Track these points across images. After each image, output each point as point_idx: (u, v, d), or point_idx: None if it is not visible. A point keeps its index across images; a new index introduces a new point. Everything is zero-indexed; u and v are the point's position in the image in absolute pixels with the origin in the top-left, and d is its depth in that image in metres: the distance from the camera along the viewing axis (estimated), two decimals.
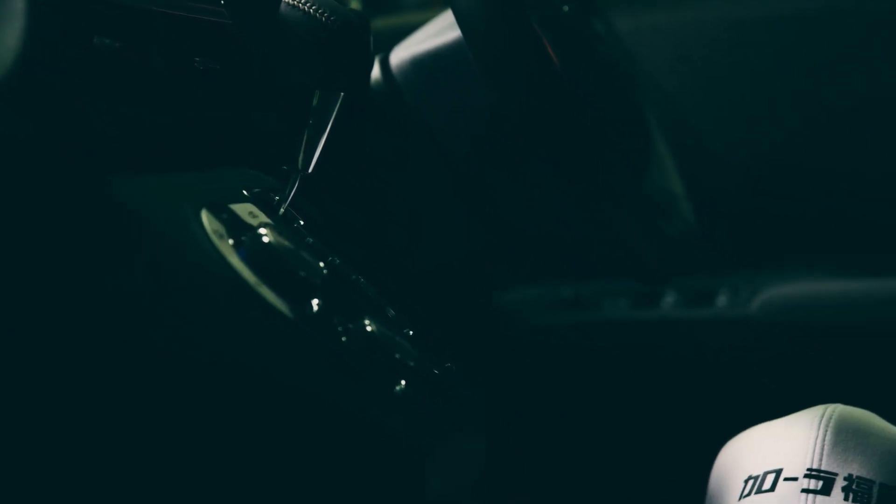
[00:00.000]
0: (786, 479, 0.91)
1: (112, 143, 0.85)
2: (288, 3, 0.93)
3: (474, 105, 1.22)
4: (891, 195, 1.42)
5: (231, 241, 0.81)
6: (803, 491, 0.90)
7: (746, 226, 1.44)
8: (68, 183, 0.79)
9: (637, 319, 1.43)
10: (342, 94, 0.96)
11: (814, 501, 0.89)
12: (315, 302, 0.82)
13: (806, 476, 0.90)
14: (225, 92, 0.97)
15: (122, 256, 0.78)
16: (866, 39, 1.45)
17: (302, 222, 0.95)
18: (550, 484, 1.29)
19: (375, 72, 1.21)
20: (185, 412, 0.76)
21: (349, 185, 1.14)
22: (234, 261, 0.80)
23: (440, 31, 1.23)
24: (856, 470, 0.89)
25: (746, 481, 0.94)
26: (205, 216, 0.82)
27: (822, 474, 0.90)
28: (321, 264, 0.86)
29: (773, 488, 0.91)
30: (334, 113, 0.95)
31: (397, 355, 0.85)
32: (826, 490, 0.89)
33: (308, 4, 0.93)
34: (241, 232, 0.83)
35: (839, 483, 0.89)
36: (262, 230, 0.83)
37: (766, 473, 0.93)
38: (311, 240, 0.93)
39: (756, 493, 0.92)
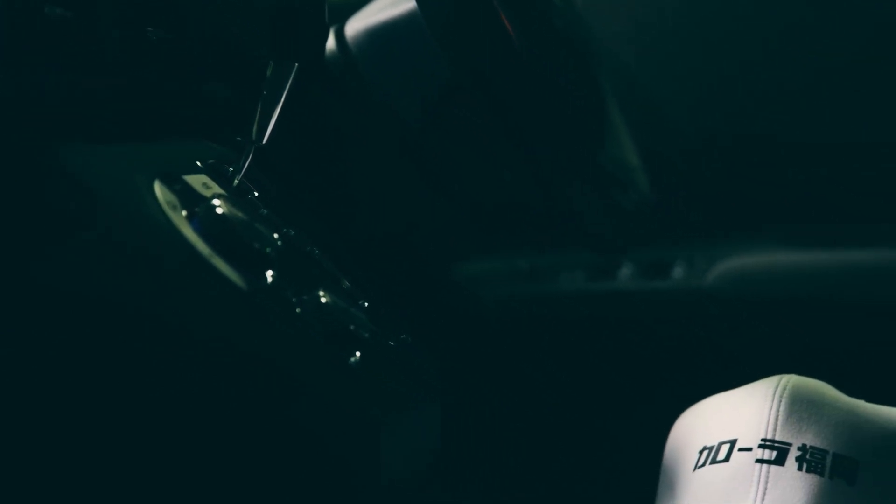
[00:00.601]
0: (740, 450, 0.91)
1: (64, 113, 0.84)
2: None
3: (430, 76, 1.21)
4: (845, 166, 1.42)
5: (184, 213, 0.81)
6: (758, 461, 0.90)
7: (702, 197, 1.45)
8: (19, 153, 0.78)
9: (593, 291, 1.43)
10: (297, 64, 0.95)
11: (768, 471, 0.89)
12: (269, 273, 0.82)
13: (760, 446, 0.91)
14: (178, 62, 0.96)
15: (74, 228, 0.77)
16: (825, 10, 1.45)
17: (256, 193, 0.94)
18: (507, 455, 1.29)
19: (330, 42, 1.21)
20: (138, 383, 0.75)
21: (304, 156, 1.13)
22: (188, 232, 0.79)
23: (395, 1, 1.23)
24: (810, 440, 0.90)
25: (701, 452, 0.94)
26: (157, 187, 0.82)
27: (776, 444, 0.90)
28: (275, 235, 0.86)
29: (727, 459, 0.92)
30: (289, 84, 0.95)
31: (352, 327, 0.85)
32: (780, 460, 0.89)
33: None
34: (195, 203, 0.83)
35: (793, 453, 0.89)
36: (216, 201, 0.82)
37: (720, 444, 0.93)
38: (265, 211, 0.92)
39: (711, 463, 0.93)
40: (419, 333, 1.01)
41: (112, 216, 0.79)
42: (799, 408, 0.92)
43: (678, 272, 1.40)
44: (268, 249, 0.82)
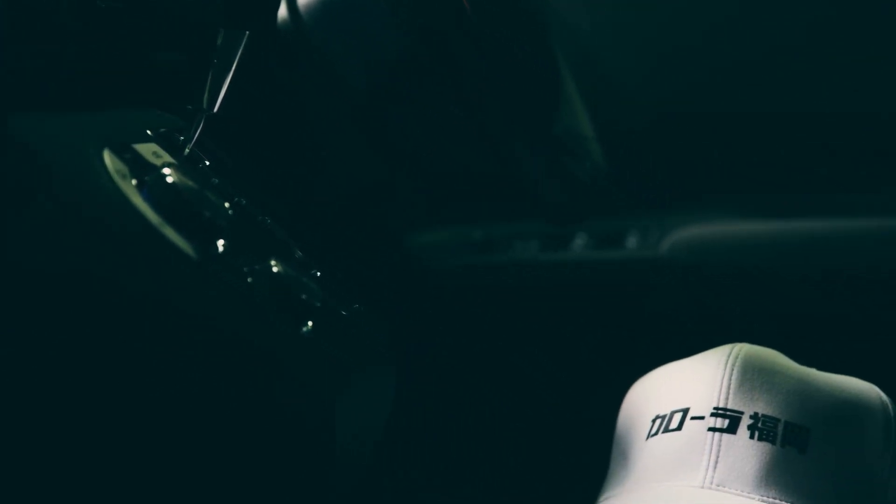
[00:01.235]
0: (693, 418, 0.92)
1: (12, 81, 0.84)
2: None
3: (382, 44, 1.21)
4: (798, 137, 1.43)
5: (134, 181, 0.80)
6: (710, 430, 0.90)
7: (656, 167, 1.45)
8: None
9: (547, 261, 1.43)
10: (248, 32, 0.94)
11: (720, 440, 0.90)
12: (220, 242, 0.82)
13: (713, 415, 0.91)
14: (128, 31, 0.95)
15: (22, 197, 0.76)
16: None
17: (207, 162, 0.94)
18: (461, 422, 1.29)
19: (282, 10, 1.20)
20: (87, 353, 0.75)
21: (255, 125, 1.12)
22: (137, 201, 0.78)
23: None
24: (761, 408, 0.90)
25: (654, 420, 0.95)
26: (107, 156, 0.81)
27: (728, 413, 0.91)
28: (227, 205, 0.85)
29: (680, 427, 0.92)
30: (239, 52, 0.94)
31: (304, 296, 0.85)
32: (732, 428, 0.90)
33: None
34: (145, 172, 0.82)
35: (745, 421, 0.90)
36: (166, 170, 0.82)
37: (673, 413, 0.94)
38: (216, 180, 0.91)
39: (663, 432, 0.93)
40: (373, 303, 1.01)
41: (61, 185, 0.78)
42: (751, 376, 0.92)
43: (632, 242, 1.41)
44: (219, 219, 0.82)
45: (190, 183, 0.82)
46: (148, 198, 0.79)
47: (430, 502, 1.21)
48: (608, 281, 1.41)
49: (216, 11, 0.95)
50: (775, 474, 0.88)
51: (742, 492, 0.87)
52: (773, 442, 0.89)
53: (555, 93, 1.36)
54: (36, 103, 0.84)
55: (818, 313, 1.33)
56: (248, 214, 0.92)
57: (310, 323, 0.85)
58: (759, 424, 0.89)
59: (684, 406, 0.93)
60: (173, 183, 0.81)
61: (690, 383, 0.95)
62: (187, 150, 0.92)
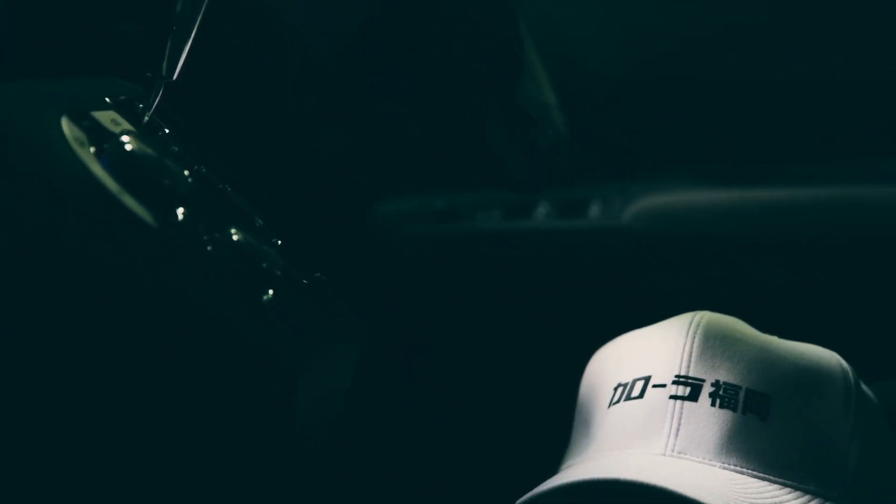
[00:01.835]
0: (654, 386, 0.92)
1: None
2: None
3: (345, 10, 1.20)
4: (759, 106, 1.43)
5: (92, 149, 0.80)
6: (671, 397, 0.91)
7: (619, 136, 1.45)
8: None
9: (509, 230, 1.43)
10: None
11: (682, 408, 0.90)
12: (180, 211, 0.81)
13: (674, 382, 0.91)
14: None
15: None
16: None
17: (167, 130, 0.93)
18: (424, 391, 1.29)
19: None
20: (45, 320, 0.75)
21: (216, 92, 1.12)
22: (96, 168, 0.78)
23: None
24: (723, 376, 0.91)
25: (616, 388, 0.95)
26: (65, 123, 0.80)
27: (689, 381, 0.91)
28: (186, 173, 0.85)
29: (641, 395, 0.92)
30: (199, 19, 0.93)
31: (264, 264, 0.84)
32: (693, 396, 0.90)
33: None
34: (104, 139, 0.81)
35: (706, 389, 0.90)
36: (125, 138, 0.81)
37: (635, 381, 0.94)
38: (176, 148, 0.91)
39: (625, 399, 0.93)
40: (334, 272, 1.01)
41: (18, 152, 0.77)
42: (712, 344, 0.92)
43: (594, 211, 1.40)
44: (178, 186, 0.81)
45: (149, 151, 0.81)
46: (107, 165, 0.79)
47: (391, 474, 1.21)
48: (570, 250, 1.41)
49: None
50: (737, 442, 0.88)
51: (703, 459, 0.87)
52: (734, 409, 0.89)
53: (517, 61, 1.36)
54: None
55: (779, 281, 1.34)
56: (208, 182, 0.91)
57: (270, 291, 0.84)
58: (721, 392, 0.90)
59: (646, 374, 0.93)
60: (132, 151, 0.80)
61: (652, 351, 0.95)
62: (147, 118, 0.91)
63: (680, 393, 0.90)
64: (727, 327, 0.94)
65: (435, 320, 1.36)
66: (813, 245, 1.34)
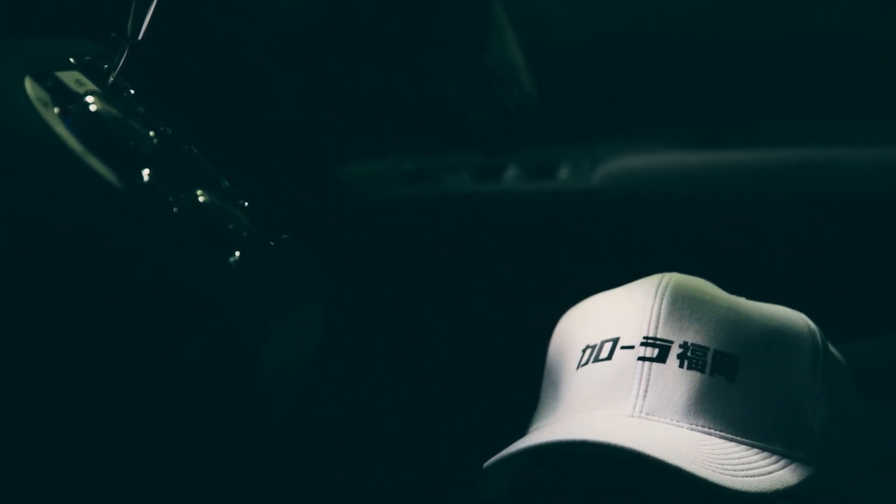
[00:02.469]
0: (623, 348, 0.92)
1: None
2: None
3: None
4: (726, 69, 1.43)
5: (56, 110, 0.79)
6: (640, 359, 0.91)
7: (587, 97, 1.44)
8: None
9: (479, 192, 1.42)
10: None
11: (650, 369, 0.90)
12: (145, 172, 0.80)
13: (642, 344, 0.91)
14: None
15: None
16: None
17: (132, 91, 0.92)
18: (390, 354, 1.29)
19: None
20: (9, 279, 0.74)
21: (181, 53, 1.11)
22: (60, 129, 0.77)
23: None
24: (691, 337, 0.91)
25: (584, 350, 0.95)
26: (28, 84, 0.79)
27: (657, 342, 0.91)
28: (151, 134, 0.84)
29: (610, 357, 0.92)
30: None
31: (231, 226, 0.84)
32: (662, 357, 0.90)
33: None
34: (68, 100, 0.80)
35: (675, 350, 0.90)
36: (90, 98, 0.80)
37: (603, 342, 0.94)
38: (141, 109, 0.90)
39: (594, 361, 0.93)
40: (302, 234, 1.00)
41: None
42: (680, 305, 0.92)
43: (564, 172, 1.40)
44: (143, 147, 0.80)
45: (114, 111, 0.80)
46: (71, 126, 0.78)
47: (358, 433, 1.21)
48: (540, 212, 1.40)
49: None
50: (704, 403, 0.88)
51: (671, 420, 0.88)
52: (702, 371, 0.89)
53: (485, 22, 1.35)
54: None
55: (747, 243, 1.34)
56: (173, 144, 0.90)
57: (237, 253, 0.84)
58: (689, 353, 0.90)
59: (614, 336, 0.93)
60: (97, 111, 0.79)
61: (620, 313, 0.95)
62: (111, 79, 0.90)
63: (648, 354, 0.91)
64: (695, 289, 0.94)
65: (403, 282, 1.36)
66: (781, 206, 1.34)
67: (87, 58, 0.91)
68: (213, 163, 0.94)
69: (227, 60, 1.19)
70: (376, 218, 1.40)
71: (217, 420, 0.85)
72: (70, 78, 0.84)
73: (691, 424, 0.87)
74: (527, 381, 1.03)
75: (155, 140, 0.84)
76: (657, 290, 0.94)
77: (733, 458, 0.85)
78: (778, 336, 0.92)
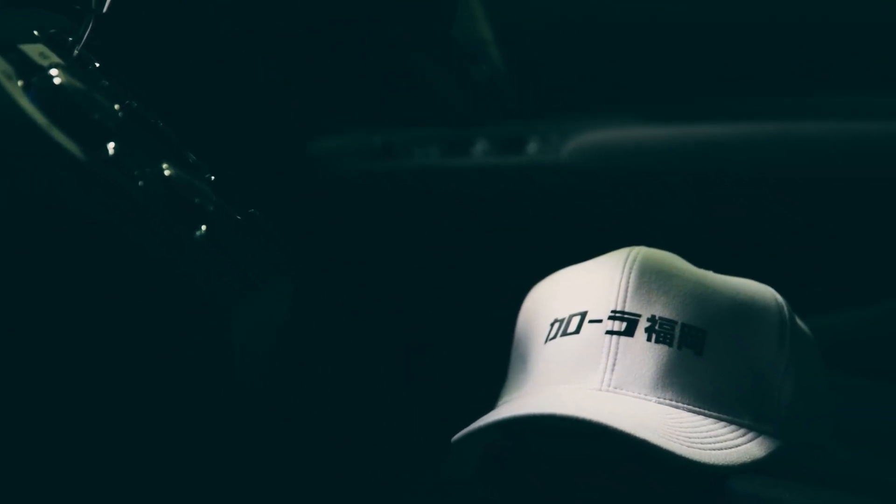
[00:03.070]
0: (591, 322, 0.92)
1: None
2: None
3: None
4: (698, 43, 1.43)
5: (20, 83, 0.78)
6: (608, 332, 0.91)
7: (556, 72, 1.44)
8: None
9: (447, 166, 1.42)
10: None
11: (618, 343, 0.90)
12: (110, 145, 0.80)
13: (610, 318, 0.91)
14: None
15: None
16: None
17: (97, 64, 0.92)
18: (359, 329, 1.29)
19: None
20: None
21: (146, 25, 1.10)
22: (24, 103, 0.76)
23: None
24: (658, 311, 0.91)
25: (552, 324, 0.95)
26: None
27: (625, 316, 0.91)
28: (117, 107, 0.83)
29: (578, 331, 0.92)
30: None
31: (197, 200, 0.83)
32: (630, 331, 0.90)
33: None
34: (32, 73, 0.80)
35: (642, 324, 0.90)
36: (54, 71, 0.79)
37: (571, 316, 0.94)
38: (106, 82, 0.89)
39: (562, 335, 0.93)
40: (269, 208, 1.00)
41: None
42: (648, 279, 0.92)
43: (532, 147, 1.40)
44: (108, 121, 0.80)
45: (78, 84, 0.80)
46: (35, 99, 0.77)
47: (324, 416, 1.21)
48: (508, 186, 1.40)
49: None
50: (672, 376, 0.88)
51: (639, 394, 0.88)
52: (669, 344, 0.89)
53: None
54: None
55: (715, 216, 1.34)
56: (139, 117, 0.90)
57: (203, 227, 0.83)
58: (657, 327, 0.90)
59: (582, 309, 0.93)
60: (61, 84, 0.79)
61: (588, 287, 0.95)
62: (76, 52, 0.90)
63: (616, 328, 0.91)
64: (663, 262, 0.94)
65: (371, 257, 1.36)
66: (749, 181, 1.34)
67: (52, 30, 0.90)
68: (179, 136, 0.94)
69: (193, 33, 1.18)
70: (344, 192, 1.40)
71: (188, 392, 0.85)
72: (34, 51, 0.84)
73: (659, 398, 0.88)
74: (495, 354, 1.03)
75: (120, 113, 0.83)
76: (625, 263, 0.94)
77: (701, 431, 0.85)
78: (745, 309, 0.92)
